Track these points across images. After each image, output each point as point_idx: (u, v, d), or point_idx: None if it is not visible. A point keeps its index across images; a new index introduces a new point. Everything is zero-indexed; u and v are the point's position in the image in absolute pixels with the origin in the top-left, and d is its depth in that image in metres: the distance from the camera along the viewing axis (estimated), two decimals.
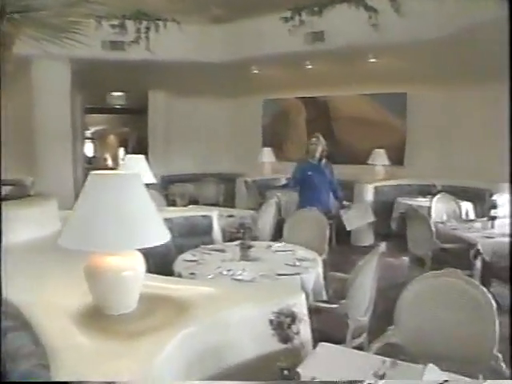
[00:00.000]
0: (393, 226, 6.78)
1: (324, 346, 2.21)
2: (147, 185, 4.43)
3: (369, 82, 8.24)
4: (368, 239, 6.99)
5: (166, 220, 4.08)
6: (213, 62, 8.34)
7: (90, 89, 10.16)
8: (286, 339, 1.58)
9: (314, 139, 5.69)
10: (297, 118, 9.52)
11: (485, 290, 2.30)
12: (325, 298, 3.32)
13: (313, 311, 3.10)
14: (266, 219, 4.91)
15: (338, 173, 8.03)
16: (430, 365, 1.90)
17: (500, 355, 2.20)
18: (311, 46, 7.50)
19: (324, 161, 5.70)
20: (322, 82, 8.78)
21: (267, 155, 9.24)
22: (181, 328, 1.86)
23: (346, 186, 7.47)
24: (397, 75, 7.88)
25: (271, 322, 1.59)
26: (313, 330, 2.66)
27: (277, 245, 3.93)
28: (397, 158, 8.15)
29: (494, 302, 2.25)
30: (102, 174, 1.95)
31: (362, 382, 1.56)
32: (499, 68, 6.49)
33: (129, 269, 1.92)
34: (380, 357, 2.09)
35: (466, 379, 1.94)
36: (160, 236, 1.94)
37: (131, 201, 1.87)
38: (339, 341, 2.88)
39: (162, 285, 2.28)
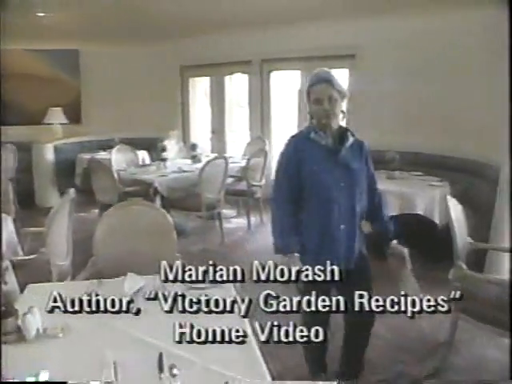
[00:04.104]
0: (77, 182, 6.96)
1: (31, 287, 2.35)
2: None
3: (37, 36, 7.84)
4: (53, 199, 6.95)
5: None
6: None
7: None
8: None
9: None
10: None
11: (164, 211, 2.82)
12: (21, 253, 3.34)
13: (15, 266, 3.13)
14: None
15: (12, 134, 7.58)
16: (130, 273, 2.31)
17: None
18: None
19: (351, 139, 2.51)
20: None
21: None
22: None
23: (22, 147, 7.17)
24: (67, 31, 7.73)
25: None
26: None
27: None
28: (74, 116, 8.17)
29: (171, 220, 2.78)
30: None
31: None
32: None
33: None
34: (86, 281, 2.37)
35: None
36: None
37: None
38: None
39: None
